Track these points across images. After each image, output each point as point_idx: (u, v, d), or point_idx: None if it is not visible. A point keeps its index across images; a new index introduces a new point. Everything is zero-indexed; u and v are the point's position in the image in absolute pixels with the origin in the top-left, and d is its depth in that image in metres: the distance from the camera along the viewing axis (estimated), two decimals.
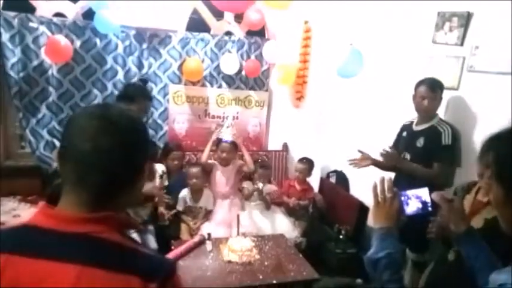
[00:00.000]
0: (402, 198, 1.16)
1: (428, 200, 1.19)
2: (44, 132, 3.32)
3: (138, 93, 2.75)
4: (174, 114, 3.68)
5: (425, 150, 2.38)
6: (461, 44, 2.43)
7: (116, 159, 0.75)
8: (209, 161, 3.26)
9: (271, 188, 3.39)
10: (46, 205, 0.76)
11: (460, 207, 1.25)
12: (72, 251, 0.70)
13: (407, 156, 2.50)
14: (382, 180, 1.14)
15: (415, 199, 1.18)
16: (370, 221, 3.09)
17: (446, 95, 2.46)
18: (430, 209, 1.19)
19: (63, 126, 3.31)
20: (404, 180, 2.43)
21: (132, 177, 0.80)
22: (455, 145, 2.28)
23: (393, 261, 1.05)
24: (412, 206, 1.17)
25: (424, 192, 1.20)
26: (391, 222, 1.10)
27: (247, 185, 3.36)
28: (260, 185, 3.19)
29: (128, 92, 2.75)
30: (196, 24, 3.67)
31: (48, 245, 0.71)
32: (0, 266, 0.69)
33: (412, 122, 2.54)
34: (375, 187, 1.14)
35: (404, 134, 2.59)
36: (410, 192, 1.19)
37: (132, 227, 0.86)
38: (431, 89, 2.35)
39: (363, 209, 3.09)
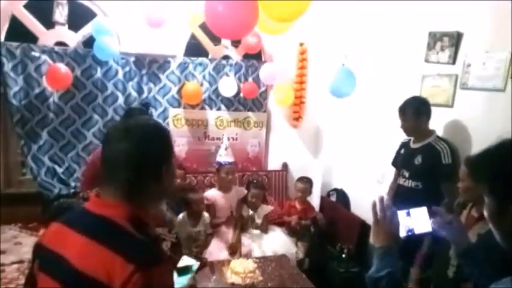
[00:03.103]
0: (401, 217, 1.16)
1: (427, 219, 1.19)
2: (45, 159, 3.34)
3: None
4: (174, 136, 3.71)
5: (423, 168, 2.41)
6: (453, 63, 2.50)
7: (134, 161, 0.93)
8: (207, 196, 3.15)
9: (266, 208, 3.36)
10: (96, 193, 0.98)
11: (461, 223, 1.26)
12: (89, 226, 0.92)
13: (406, 173, 2.53)
14: (381, 199, 1.14)
15: (414, 219, 1.18)
16: (371, 239, 3.10)
17: (441, 112, 2.51)
18: (429, 228, 1.19)
19: (64, 152, 3.38)
20: (404, 199, 2.46)
21: (152, 175, 0.96)
22: (456, 163, 2.30)
23: (394, 279, 1.05)
24: (410, 226, 1.17)
25: (422, 212, 1.20)
26: (390, 241, 1.10)
27: (243, 210, 3.28)
28: (250, 212, 3.18)
29: (130, 116, 2.77)
30: (195, 49, 3.76)
31: (80, 220, 0.95)
32: (52, 230, 0.99)
33: (410, 140, 2.58)
34: (374, 206, 1.14)
35: (403, 151, 2.63)
36: (409, 212, 1.19)
37: (145, 224, 0.96)
38: (401, 111, 2.46)
39: (365, 227, 3.09)
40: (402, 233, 1.15)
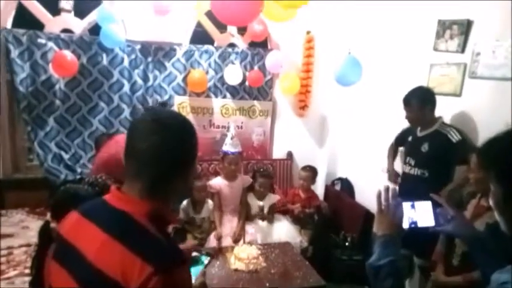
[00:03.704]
0: (405, 208, 1.14)
1: (431, 213, 1.17)
2: (52, 145, 3.37)
3: None
4: None
5: (431, 155, 2.40)
6: (462, 51, 2.46)
7: (166, 156, 0.89)
8: (212, 184, 3.15)
9: (274, 198, 3.38)
10: (117, 187, 0.93)
11: (464, 218, 1.25)
12: (108, 222, 0.87)
13: (412, 161, 2.52)
14: (387, 189, 1.13)
15: (418, 212, 1.17)
16: (374, 227, 3.11)
17: (448, 102, 2.48)
18: (433, 223, 1.17)
19: (70, 139, 3.40)
20: (409, 188, 2.46)
21: (180, 172, 0.93)
22: (466, 141, 2.28)
23: (395, 269, 1.03)
24: (414, 219, 1.16)
25: (427, 206, 1.19)
26: (394, 230, 1.09)
27: (251, 199, 3.29)
28: (260, 203, 3.20)
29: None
30: (200, 37, 3.74)
31: (100, 213, 0.91)
32: (70, 220, 0.95)
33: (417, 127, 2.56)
34: (379, 195, 1.13)
35: (410, 138, 2.61)
36: (414, 204, 1.17)
37: (166, 222, 0.94)
38: (405, 103, 2.45)
39: (369, 216, 3.10)
40: (405, 225, 1.14)
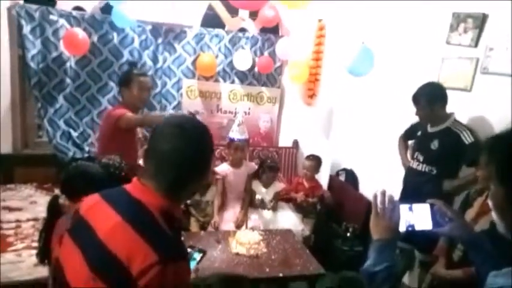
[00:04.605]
0: (403, 210, 1.11)
1: (429, 216, 1.14)
2: (61, 122, 3.41)
3: (132, 73, 2.70)
4: (187, 108, 3.74)
5: (440, 153, 2.36)
6: (476, 46, 2.42)
7: (185, 161, 0.96)
8: (218, 170, 3.14)
9: (278, 186, 3.39)
10: (138, 178, 1.00)
11: (461, 220, 1.21)
12: (125, 207, 0.95)
13: (420, 157, 2.49)
14: (383, 192, 1.09)
15: (416, 214, 1.13)
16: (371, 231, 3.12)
17: (458, 97, 2.45)
18: (430, 227, 1.13)
19: (79, 117, 3.43)
20: (415, 183, 2.44)
21: (198, 173, 1.01)
22: (478, 142, 2.24)
23: (391, 274, 1.00)
24: (411, 221, 1.11)
25: (425, 208, 1.15)
26: (390, 234, 1.05)
27: (256, 186, 3.29)
28: (259, 197, 3.23)
29: (124, 76, 2.72)
30: (211, 20, 3.72)
31: (118, 198, 0.98)
32: (91, 201, 1.01)
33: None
34: (375, 197, 1.09)
35: (419, 133, 2.57)
36: (412, 206, 1.13)
37: (175, 219, 0.99)
38: (414, 101, 2.40)
39: (371, 208, 3.11)
40: (402, 228, 1.09)
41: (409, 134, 2.75)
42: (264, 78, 3.92)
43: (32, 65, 3.22)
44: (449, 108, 2.41)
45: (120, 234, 0.89)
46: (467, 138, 2.24)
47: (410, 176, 2.59)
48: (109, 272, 0.86)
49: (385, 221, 1.06)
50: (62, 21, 3.24)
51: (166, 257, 0.85)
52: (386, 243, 1.04)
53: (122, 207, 0.94)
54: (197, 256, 2.29)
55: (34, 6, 3.16)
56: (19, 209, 2.91)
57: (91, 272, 0.88)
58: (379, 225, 1.07)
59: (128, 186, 1.00)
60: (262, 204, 3.26)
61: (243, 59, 3.67)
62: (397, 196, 2.59)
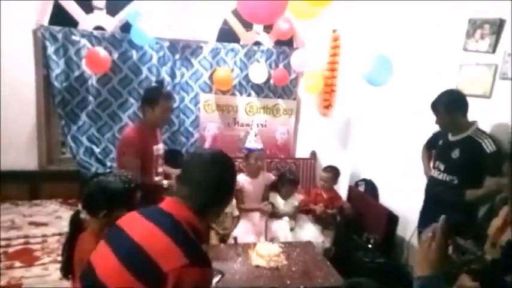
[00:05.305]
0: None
1: None
2: (84, 139, 3.52)
3: (159, 95, 2.68)
4: (204, 122, 3.80)
5: (461, 162, 2.30)
6: (493, 52, 2.38)
7: (215, 188, 1.15)
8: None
9: (298, 198, 3.38)
10: (172, 197, 1.16)
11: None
12: (157, 217, 1.09)
13: (441, 166, 2.44)
14: (435, 228, 1.01)
15: None
16: (400, 230, 3.07)
17: (478, 104, 2.41)
18: None
19: (101, 133, 3.53)
20: (437, 193, 2.39)
21: (222, 201, 1.20)
22: (501, 151, 2.18)
23: None
24: None
25: None
26: (433, 270, 0.98)
27: (274, 198, 3.30)
28: (286, 209, 3.24)
29: (151, 95, 2.76)
30: (227, 35, 3.79)
31: (152, 211, 1.14)
32: (127, 214, 1.18)
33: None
34: (429, 231, 1.03)
35: (440, 142, 2.53)
36: None
37: (200, 234, 1.14)
38: (433, 109, 2.35)
39: (392, 218, 3.05)
40: None
41: (432, 143, 2.69)
42: (279, 90, 3.95)
43: (56, 84, 3.34)
44: (469, 116, 2.37)
45: (152, 236, 1.02)
46: (488, 147, 2.18)
47: (432, 186, 2.53)
48: (142, 269, 0.96)
49: (430, 256, 1.01)
50: (83, 41, 3.37)
51: (197, 262, 0.97)
52: (429, 280, 0.99)
53: (154, 217, 1.09)
54: (214, 279, 2.12)
55: (57, 28, 3.30)
56: (45, 224, 2.99)
57: (124, 268, 0.98)
58: (425, 259, 1.02)
59: (160, 204, 1.14)
60: (281, 216, 3.25)
61: (258, 72, 3.71)
62: (418, 206, 2.56)
